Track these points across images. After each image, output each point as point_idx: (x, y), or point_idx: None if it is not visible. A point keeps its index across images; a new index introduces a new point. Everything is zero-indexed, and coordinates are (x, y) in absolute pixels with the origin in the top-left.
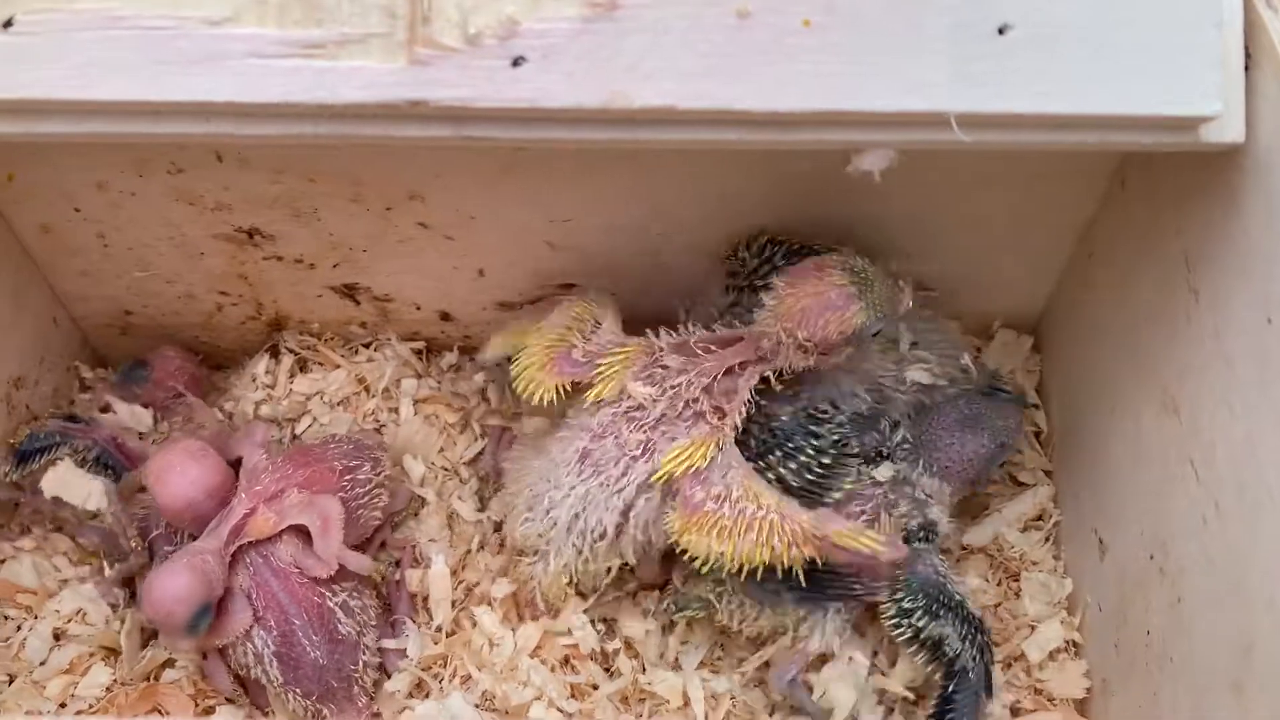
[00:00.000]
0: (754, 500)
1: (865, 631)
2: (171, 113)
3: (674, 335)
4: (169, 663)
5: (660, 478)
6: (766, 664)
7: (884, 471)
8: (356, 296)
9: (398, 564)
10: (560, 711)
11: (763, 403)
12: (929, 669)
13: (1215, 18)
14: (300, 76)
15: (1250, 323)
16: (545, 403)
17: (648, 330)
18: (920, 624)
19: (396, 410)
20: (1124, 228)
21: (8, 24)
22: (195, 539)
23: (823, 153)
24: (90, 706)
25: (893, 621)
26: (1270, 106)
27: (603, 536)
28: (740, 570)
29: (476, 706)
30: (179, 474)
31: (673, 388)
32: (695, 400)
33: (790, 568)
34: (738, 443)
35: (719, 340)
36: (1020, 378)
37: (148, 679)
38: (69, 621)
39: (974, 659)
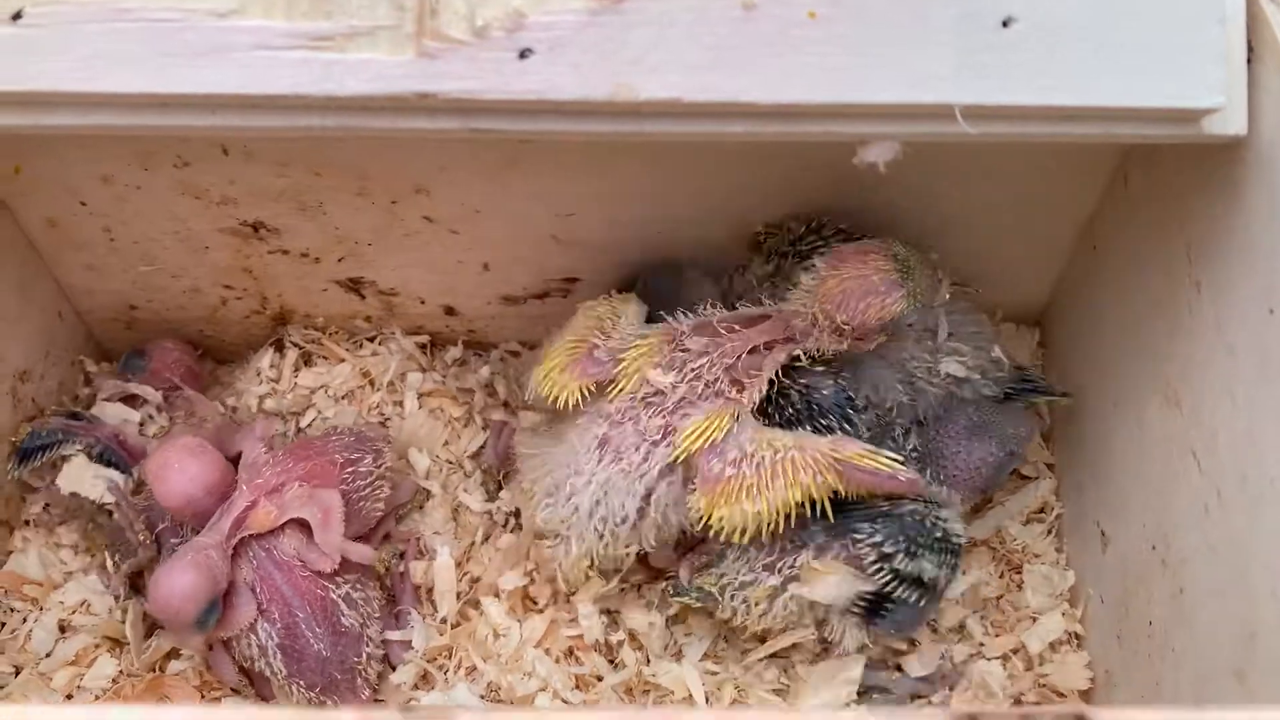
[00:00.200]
0: (769, 447)
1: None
2: (178, 105)
3: (694, 316)
4: (174, 654)
5: (678, 456)
6: (772, 656)
7: None
8: (361, 290)
9: (402, 556)
10: (565, 702)
11: (803, 378)
12: (904, 594)
13: (1218, 12)
14: (308, 69)
15: (1252, 314)
16: (570, 405)
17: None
18: (900, 566)
19: (401, 404)
20: (1127, 221)
21: (16, 16)
22: (198, 533)
23: (826, 146)
24: (97, 699)
25: (875, 566)
26: (1272, 100)
27: (625, 521)
28: (776, 522)
29: (482, 697)
30: (177, 471)
31: (693, 370)
32: (716, 380)
33: (818, 503)
34: (769, 410)
35: (743, 319)
36: None
37: (153, 670)
38: (74, 613)
39: (947, 578)
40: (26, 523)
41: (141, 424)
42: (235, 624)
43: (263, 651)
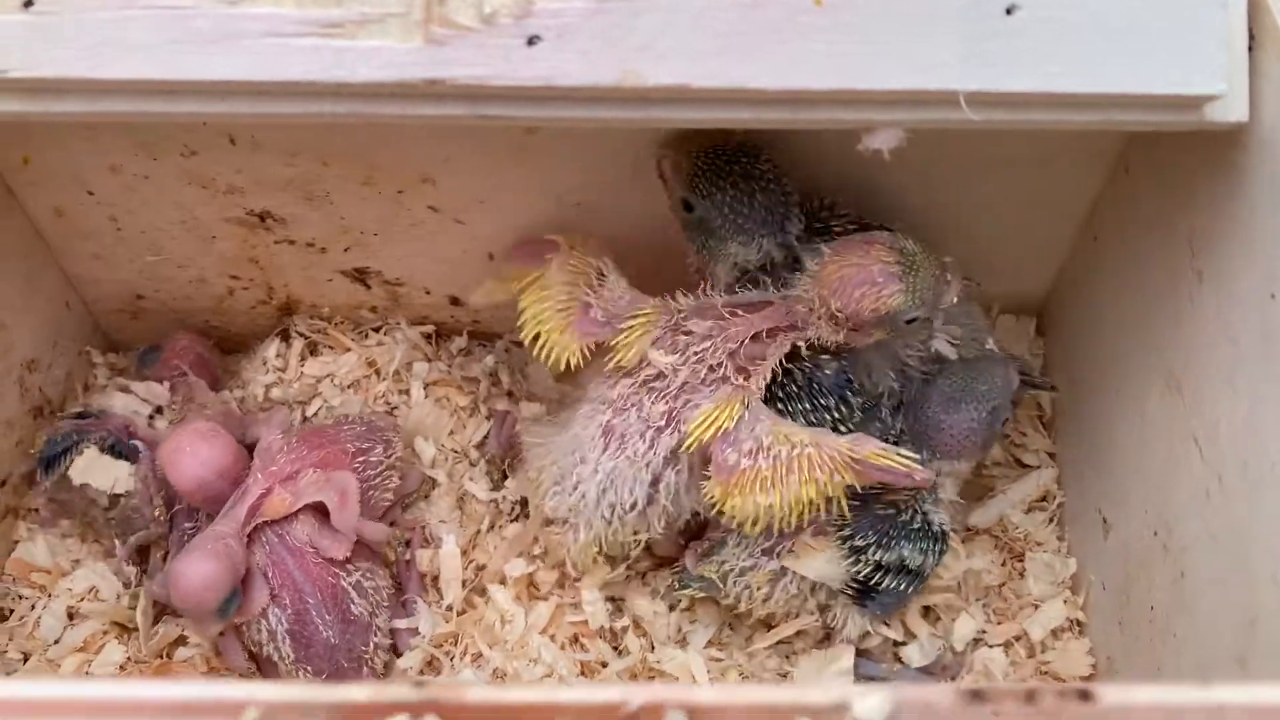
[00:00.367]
0: (786, 441)
1: None
2: (187, 92)
3: (694, 298)
4: (182, 640)
5: (690, 445)
6: (778, 643)
7: None
8: (367, 280)
9: (408, 544)
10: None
11: (807, 360)
12: (892, 582)
13: None
14: (319, 56)
15: (1253, 300)
16: (573, 367)
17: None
18: (877, 557)
19: (407, 393)
20: (1128, 210)
21: (28, 4)
22: (212, 518)
23: (830, 134)
24: None
25: (850, 560)
26: (1273, 87)
27: (633, 508)
28: (790, 517)
29: (488, 684)
30: (189, 455)
31: (696, 354)
32: (719, 365)
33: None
34: (770, 386)
35: (745, 304)
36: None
37: (161, 656)
38: (82, 600)
39: (932, 563)
40: (34, 510)
41: (151, 417)
42: (251, 610)
43: (272, 636)
